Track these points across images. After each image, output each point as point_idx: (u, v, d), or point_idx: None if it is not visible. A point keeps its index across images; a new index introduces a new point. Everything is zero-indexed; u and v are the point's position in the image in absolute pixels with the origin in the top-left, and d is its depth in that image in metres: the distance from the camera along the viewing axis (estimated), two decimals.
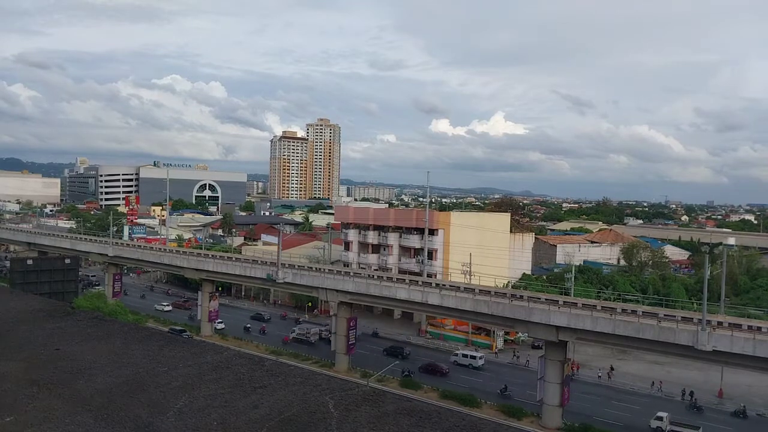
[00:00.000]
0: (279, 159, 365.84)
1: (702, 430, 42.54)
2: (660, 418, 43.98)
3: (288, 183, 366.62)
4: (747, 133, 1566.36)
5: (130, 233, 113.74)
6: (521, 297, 48.30)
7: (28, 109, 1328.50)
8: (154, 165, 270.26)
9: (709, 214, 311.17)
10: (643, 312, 42.27)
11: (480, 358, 58.17)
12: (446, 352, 64.27)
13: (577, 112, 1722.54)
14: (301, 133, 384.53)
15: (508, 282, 72.65)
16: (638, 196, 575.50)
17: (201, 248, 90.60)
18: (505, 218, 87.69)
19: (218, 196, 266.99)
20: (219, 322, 69.64)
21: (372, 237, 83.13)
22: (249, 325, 71.51)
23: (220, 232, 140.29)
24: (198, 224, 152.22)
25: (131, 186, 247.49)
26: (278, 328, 71.59)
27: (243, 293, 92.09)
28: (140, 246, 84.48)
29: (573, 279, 65.96)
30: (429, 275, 69.12)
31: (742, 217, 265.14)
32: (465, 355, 58.52)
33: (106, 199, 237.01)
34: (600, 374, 56.54)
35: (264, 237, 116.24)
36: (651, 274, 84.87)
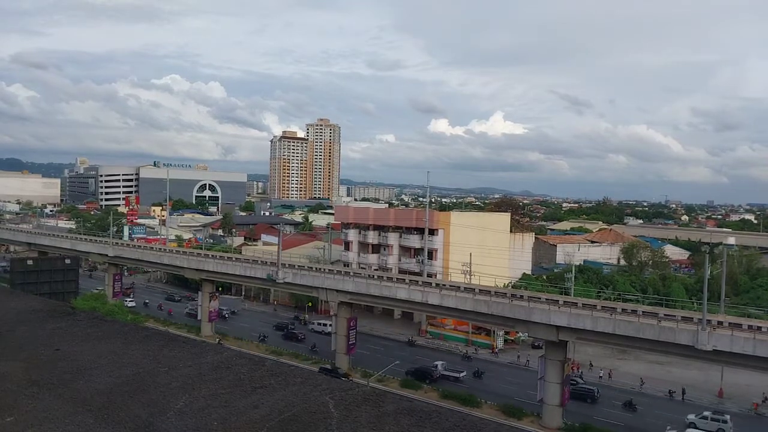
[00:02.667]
0: (279, 159, 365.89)
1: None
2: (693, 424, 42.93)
3: (288, 183, 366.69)
4: (745, 132, 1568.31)
5: (130, 233, 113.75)
6: (521, 297, 48.32)
7: (27, 109, 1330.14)
8: (154, 165, 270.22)
9: (709, 214, 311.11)
10: (643, 312, 42.28)
11: (463, 375, 54.13)
12: (446, 352, 64.33)
13: (577, 112, 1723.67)
14: (300, 133, 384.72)
15: (509, 282, 72.67)
16: (638, 195, 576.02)
17: (201, 248, 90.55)
18: (505, 218, 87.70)
19: (218, 197, 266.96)
20: (130, 301, 78.08)
21: (372, 237, 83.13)
22: (161, 304, 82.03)
23: (220, 232, 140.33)
24: (198, 224, 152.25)
25: (131, 186, 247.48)
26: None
27: (243, 293, 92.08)
28: (140, 246, 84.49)
29: (573, 279, 66.01)
30: (429, 275, 69.14)
31: (742, 216, 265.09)
32: (446, 374, 54.19)
33: (106, 200, 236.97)
34: (601, 374, 56.58)
35: (264, 237, 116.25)
36: (651, 274, 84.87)
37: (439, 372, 54.14)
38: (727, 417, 43.64)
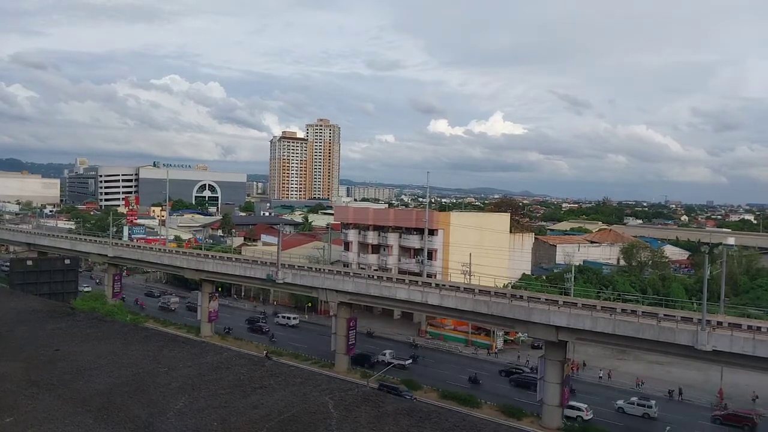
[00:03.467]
0: (279, 159, 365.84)
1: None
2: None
3: (288, 183, 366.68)
4: (745, 133, 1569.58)
5: (129, 234, 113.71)
6: (521, 297, 48.31)
7: (26, 109, 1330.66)
8: (154, 165, 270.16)
9: (708, 214, 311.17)
10: (642, 312, 42.29)
11: (408, 362, 57.02)
12: (447, 352, 64.35)
13: (576, 112, 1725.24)
14: (300, 134, 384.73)
15: (508, 282, 72.67)
16: (638, 196, 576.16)
17: (200, 249, 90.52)
18: (504, 218, 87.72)
19: (218, 197, 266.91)
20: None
21: (372, 237, 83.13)
22: (137, 299, 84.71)
23: (219, 232, 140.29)
24: (198, 224, 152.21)
25: (131, 186, 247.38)
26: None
27: (243, 294, 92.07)
28: (140, 246, 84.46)
29: (573, 279, 66.01)
30: (429, 275, 69.15)
31: (741, 217, 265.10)
32: (392, 361, 55.69)
33: (106, 200, 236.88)
34: (601, 375, 56.58)
35: (264, 237, 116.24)
36: (651, 274, 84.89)
37: (377, 357, 58.02)
38: (653, 402, 46.98)
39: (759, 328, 37.78)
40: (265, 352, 55.42)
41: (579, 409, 45.62)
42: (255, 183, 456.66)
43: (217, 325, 70.27)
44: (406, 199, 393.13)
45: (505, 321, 47.72)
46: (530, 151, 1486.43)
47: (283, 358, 55.08)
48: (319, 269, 62.60)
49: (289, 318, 74.29)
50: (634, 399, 47.73)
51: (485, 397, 48.71)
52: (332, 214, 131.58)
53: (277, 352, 59.72)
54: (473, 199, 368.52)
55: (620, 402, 47.63)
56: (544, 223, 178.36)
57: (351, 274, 59.94)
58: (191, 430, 3.36)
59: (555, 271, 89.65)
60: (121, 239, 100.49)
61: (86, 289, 76.60)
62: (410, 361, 57.81)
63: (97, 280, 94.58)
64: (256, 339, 66.18)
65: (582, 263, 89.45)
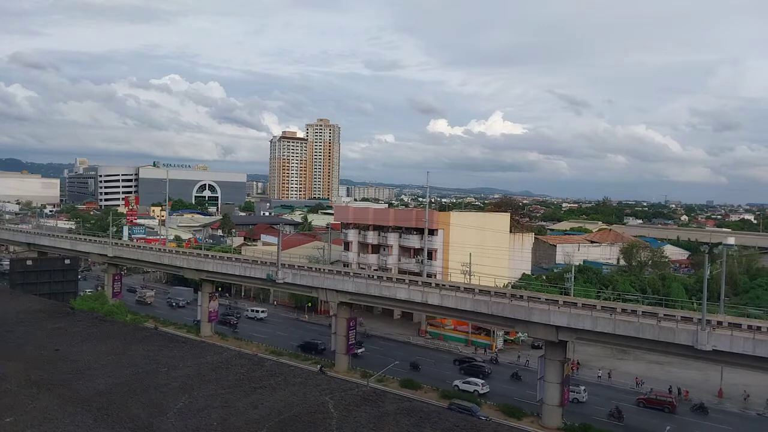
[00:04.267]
0: (278, 159, 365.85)
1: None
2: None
3: (288, 183, 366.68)
4: (744, 132, 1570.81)
5: (129, 233, 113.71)
6: (521, 297, 48.30)
7: (26, 109, 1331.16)
8: (154, 165, 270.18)
9: (708, 214, 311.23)
10: (642, 312, 42.27)
11: (361, 351, 60.30)
12: (446, 351, 64.30)
13: (575, 112, 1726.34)
14: (300, 134, 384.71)
15: (508, 282, 72.67)
16: (638, 195, 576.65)
17: (200, 248, 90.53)
18: (504, 218, 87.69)
19: (218, 197, 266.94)
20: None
21: (372, 237, 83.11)
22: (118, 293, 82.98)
23: (219, 232, 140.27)
24: (198, 224, 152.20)
25: (131, 186, 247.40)
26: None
27: (243, 293, 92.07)
28: (140, 246, 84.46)
29: (573, 279, 65.97)
30: (429, 275, 69.15)
31: (741, 216, 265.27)
32: None
33: (106, 200, 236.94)
34: (600, 374, 56.58)
35: (264, 237, 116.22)
36: (651, 274, 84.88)
37: (324, 345, 60.70)
38: (582, 388, 50.07)
39: (759, 328, 37.77)
40: (319, 366, 54.31)
41: (476, 384, 50.90)
42: (255, 183, 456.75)
43: (186, 317, 74.28)
44: (406, 199, 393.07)
45: (506, 321, 47.72)
46: (530, 151, 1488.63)
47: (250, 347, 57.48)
48: (319, 269, 62.58)
49: (257, 311, 78.79)
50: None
51: (424, 381, 52.59)
52: (332, 214, 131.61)
53: (278, 352, 59.79)
54: (473, 199, 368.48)
55: None
56: (544, 223, 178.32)
57: (351, 274, 59.92)
58: (191, 430, 3.36)
59: (555, 270, 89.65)
60: (121, 239, 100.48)
61: (87, 292, 76.54)
62: (362, 350, 60.64)
63: (96, 282, 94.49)
64: (222, 330, 69.14)
65: (582, 263, 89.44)
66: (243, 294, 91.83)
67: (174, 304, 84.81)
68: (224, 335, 66.99)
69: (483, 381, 51.77)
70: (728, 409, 49.01)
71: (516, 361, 60.92)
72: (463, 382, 51.96)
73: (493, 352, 64.30)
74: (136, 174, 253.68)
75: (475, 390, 50.14)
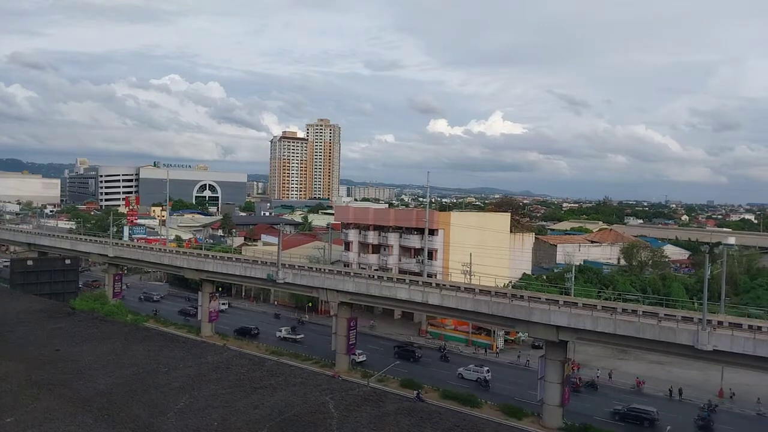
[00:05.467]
0: (279, 159, 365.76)
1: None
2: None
3: (288, 183, 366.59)
4: (744, 132, 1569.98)
5: (130, 234, 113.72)
6: (521, 297, 48.24)
7: (26, 109, 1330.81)
8: (154, 165, 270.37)
9: (709, 214, 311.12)
10: (643, 312, 42.22)
11: (301, 336, 66.03)
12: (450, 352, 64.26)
13: (575, 112, 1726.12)
14: (300, 134, 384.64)
15: (509, 282, 72.63)
16: (638, 195, 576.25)
17: (201, 248, 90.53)
18: (505, 218, 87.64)
19: (218, 197, 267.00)
20: None
21: (372, 237, 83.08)
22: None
23: (220, 232, 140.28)
24: (198, 224, 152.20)
25: (131, 186, 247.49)
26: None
27: (243, 293, 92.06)
28: (140, 246, 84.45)
29: (573, 279, 65.93)
30: (429, 275, 69.10)
31: (742, 216, 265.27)
32: (287, 336, 65.55)
33: (106, 200, 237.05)
34: (598, 374, 56.53)
35: (264, 237, 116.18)
36: (651, 274, 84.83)
37: (257, 329, 67.66)
38: (485, 369, 54.74)
39: (759, 328, 37.72)
40: (367, 381, 54.33)
41: (361, 355, 57.40)
42: (255, 183, 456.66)
43: (149, 308, 78.02)
44: (406, 199, 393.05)
45: (506, 321, 47.69)
46: (530, 151, 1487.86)
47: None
48: (320, 269, 62.56)
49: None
50: (471, 366, 55.64)
51: (424, 381, 54.50)
52: (332, 214, 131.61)
53: (278, 352, 59.79)
54: (473, 199, 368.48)
55: (461, 369, 55.07)
56: (544, 223, 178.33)
57: (351, 274, 59.89)
58: (192, 430, 3.36)
59: (555, 270, 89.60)
60: (121, 239, 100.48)
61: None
62: (302, 335, 64.80)
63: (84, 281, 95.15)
64: (178, 320, 74.39)
65: (582, 263, 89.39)
66: (243, 294, 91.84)
67: (143, 297, 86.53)
68: (179, 324, 70.81)
69: (486, 368, 54.63)
70: (729, 410, 48.95)
71: (516, 361, 60.92)
72: (466, 369, 54.48)
73: (494, 352, 64.33)
74: (136, 174, 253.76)
75: (362, 361, 55.55)
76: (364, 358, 58.65)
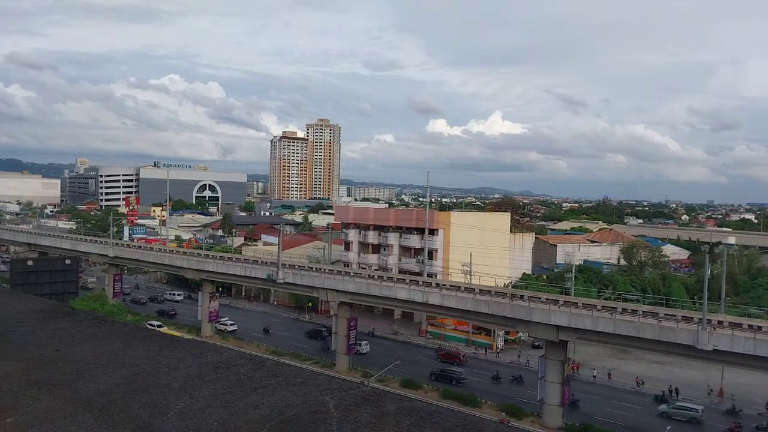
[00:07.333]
0: (279, 159, 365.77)
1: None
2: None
3: (288, 183, 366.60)
4: (743, 132, 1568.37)
5: (130, 234, 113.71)
6: (522, 297, 48.26)
7: (25, 110, 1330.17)
8: (154, 165, 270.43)
9: (709, 214, 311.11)
10: (643, 312, 42.24)
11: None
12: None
13: (574, 112, 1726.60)
14: (300, 134, 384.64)
15: (509, 282, 72.63)
16: (638, 195, 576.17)
17: (201, 249, 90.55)
18: (505, 218, 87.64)
19: (218, 197, 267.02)
20: None
21: (372, 237, 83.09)
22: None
23: (220, 232, 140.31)
24: (198, 224, 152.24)
25: (131, 186, 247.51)
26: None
27: (243, 293, 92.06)
28: (140, 246, 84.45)
29: (573, 279, 65.93)
30: (429, 275, 69.09)
31: (742, 216, 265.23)
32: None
33: (106, 200, 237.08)
34: (595, 374, 56.49)
35: (264, 237, 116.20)
36: (651, 274, 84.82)
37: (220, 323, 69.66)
38: (365, 342, 58.84)
39: (759, 328, 37.74)
40: (369, 383, 54.18)
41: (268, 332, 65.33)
42: (255, 183, 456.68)
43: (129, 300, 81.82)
44: (406, 199, 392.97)
45: (506, 321, 47.70)
46: (530, 150, 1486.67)
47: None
48: (320, 269, 62.56)
49: (174, 294, 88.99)
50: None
51: (276, 341, 63.34)
52: (332, 214, 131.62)
53: (278, 352, 59.80)
54: (473, 199, 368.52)
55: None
56: (544, 223, 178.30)
57: (351, 273, 59.91)
58: (192, 430, 3.36)
59: (555, 270, 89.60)
60: (121, 239, 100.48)
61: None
62: (366, 350, 62.43)
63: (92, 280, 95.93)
64: (139, 308, 78.35)
65: (582, 263, 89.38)
66: (243, 294, 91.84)
67: (129, 291, 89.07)
68: (146, 313, 73.11)
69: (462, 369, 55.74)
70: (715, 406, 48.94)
71: (516, 361, 60.91)
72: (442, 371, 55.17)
73: (494, 352, 64.33)
74: (136, 174, 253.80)
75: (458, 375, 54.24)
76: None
